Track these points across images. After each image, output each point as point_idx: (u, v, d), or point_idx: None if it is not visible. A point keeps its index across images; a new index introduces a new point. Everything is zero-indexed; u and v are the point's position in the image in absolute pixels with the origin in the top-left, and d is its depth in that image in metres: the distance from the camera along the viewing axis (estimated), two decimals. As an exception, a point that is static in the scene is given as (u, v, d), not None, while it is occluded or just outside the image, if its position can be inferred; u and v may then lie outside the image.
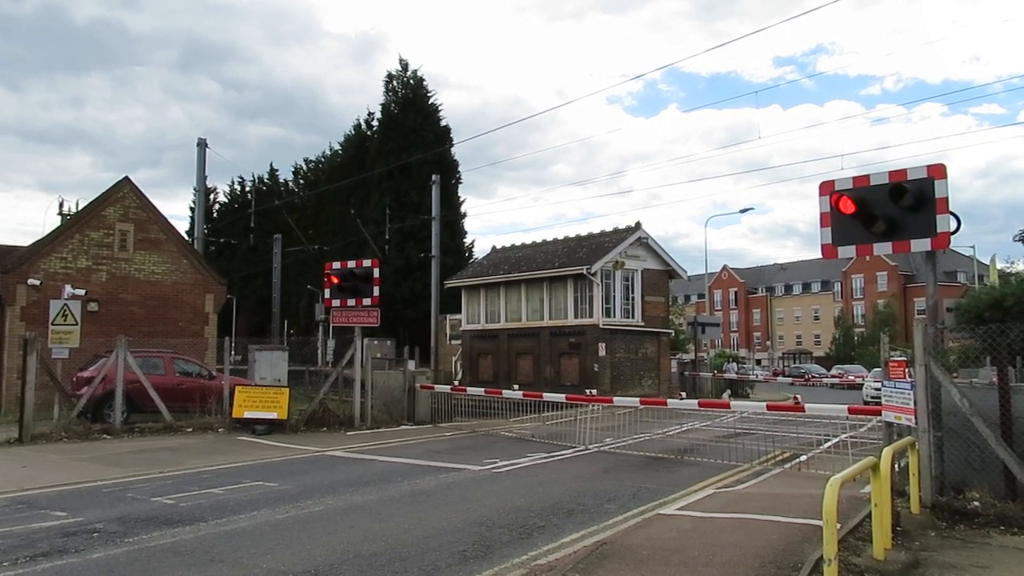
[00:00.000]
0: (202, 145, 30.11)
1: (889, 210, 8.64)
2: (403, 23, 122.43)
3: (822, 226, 9.25)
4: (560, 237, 35.02)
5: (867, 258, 72.54)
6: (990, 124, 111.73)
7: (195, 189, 32.14)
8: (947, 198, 8.33)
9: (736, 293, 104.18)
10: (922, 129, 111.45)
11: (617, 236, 31.28)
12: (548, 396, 16.34)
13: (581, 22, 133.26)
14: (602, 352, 28.01)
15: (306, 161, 56.55)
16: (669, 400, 14.45)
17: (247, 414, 16.49)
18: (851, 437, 11.91)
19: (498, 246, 38.51)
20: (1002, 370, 8.15)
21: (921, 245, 8.52)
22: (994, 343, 8.46)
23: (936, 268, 8.71)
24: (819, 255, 9.85)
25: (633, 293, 29.78)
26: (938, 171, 8.39)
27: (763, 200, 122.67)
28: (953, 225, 8.43)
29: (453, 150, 44.74)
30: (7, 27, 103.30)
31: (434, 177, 34.90)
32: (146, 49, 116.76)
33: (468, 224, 49.91)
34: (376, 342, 31.71)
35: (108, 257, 22.43)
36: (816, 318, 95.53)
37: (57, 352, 16.27)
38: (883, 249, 8.93)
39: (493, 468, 12.02)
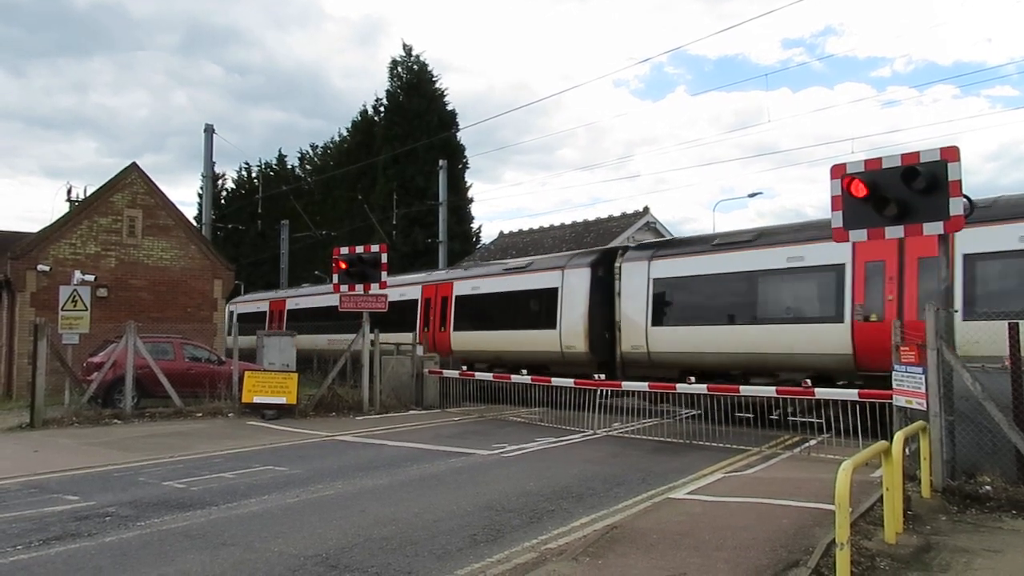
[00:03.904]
0: (209, 131, 30.13)
1: (901, 193, 8.56)
2: (406, 5, 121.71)
3: (833, 210, 9.17)
4: (567, 222, 35.00)
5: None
6: (1003, 106, 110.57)
7: (203, 175, 32.18)
8: (960, 181, 8.25)
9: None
10: (934, 112, 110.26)
11: (625, 221, 31.20)
12: (556, 381, 16.31)
13: (585, 3, 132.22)
14: (610, 337, 27.96)
15: (313, 147, 56.57)
16: (678, 384, 14.39)
17: (256, 399, 16.55)
18: (860, 421, 11.85)
19: (505, 231, 38.52)
20: (1015, 354, 8.09)
21: (934, 228, 8.45)
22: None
23: (948, 252, 8.63)
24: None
25: (641, 278, 29.66)
26: (951, 153, 8.30)
27: (771, 184, 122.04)
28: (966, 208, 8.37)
29: (459, 135, 44.57)
30: (8, 11, 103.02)
31: (441, 162, 34.84)
32: (147, 33, 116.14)
33: (475, 209, 49.71)
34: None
35: (117, 243, 22.47)
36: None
37: (67, 338, 16.35)
38: (895, 233, 8.83)
39: (502, 453, 12.04)
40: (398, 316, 22.46)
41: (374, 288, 17.94)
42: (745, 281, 15.90)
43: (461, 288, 22.36)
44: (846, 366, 14.17)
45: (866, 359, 13.76)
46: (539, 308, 19.82)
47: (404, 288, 24.18)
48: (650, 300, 17.40)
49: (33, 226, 69.56)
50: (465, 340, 21.08)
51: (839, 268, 14.49)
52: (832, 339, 14.28)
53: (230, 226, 45.74)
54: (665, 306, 17.28)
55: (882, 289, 13.87)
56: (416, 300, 23.92)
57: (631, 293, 17.90)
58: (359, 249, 18.43)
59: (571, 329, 18.80)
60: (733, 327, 15.89)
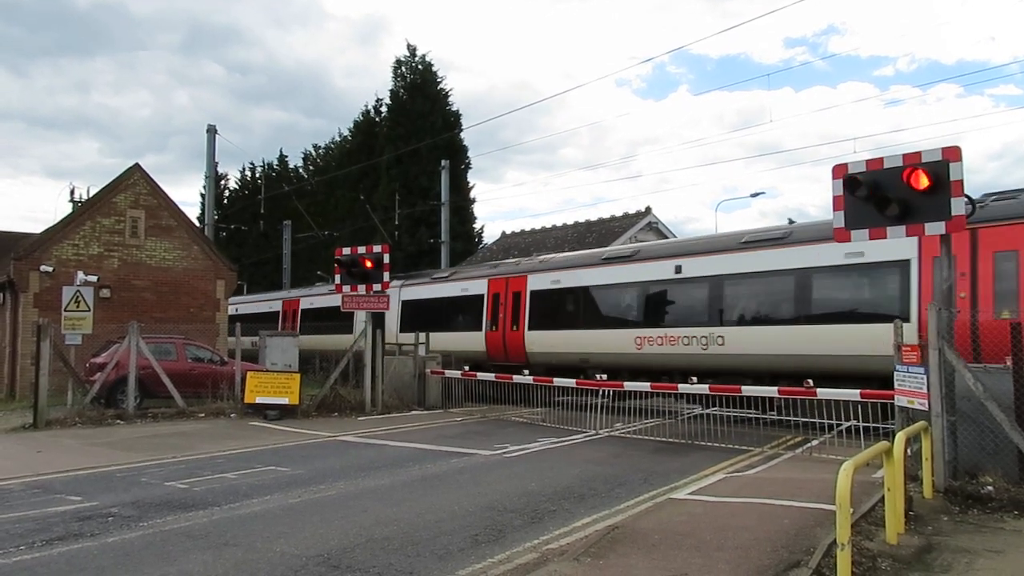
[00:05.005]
0: (212, 131, 30.18)
1: (903, 193, 8.54)
2: (407, 5, 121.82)
3: (835, 210, 9.14)
4: (570, 222, 35.01)
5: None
6: (1006, 105, 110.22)
7: (205, 176, 32.23)
8: (962, 181, 8.22)
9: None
10: (937, 111, 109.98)
11: (627, 221, 31.21)
12: (558, 381, 16.32)
13: (586, 2, 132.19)
14: (612, 337, 27.96)
15: (315, 147, 56.54)
16: (680, 385, 14.41)
17: (259, 399, 16.57)
18: (862, 421, 11.84)
19: (507, 231, 38.54)
20: (1017, 355, 8.08)
21: (935, 228, 8.43)
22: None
23: (951, 252, 8.62)
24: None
25: (643, 278, 29.67)
26: (953, 153, 8.28)
27: (774, 184, 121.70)
28: (967, 208, 8.36)
29: (462, 135, 44.49)
30: (9, 10, 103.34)
31: (443, 162, 34.84)
32: (149, 32, 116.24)
33: (477, 209, 49.42)
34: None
35: (119, 244, 22.53)
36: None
37: (70, 338, 16.38)
38: (896, 233, 8.80)
39: (504, 453, 12.05)
40: (272, 322, 32.00)
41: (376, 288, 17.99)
42: (441, 303, 24.09)
43: (303, 303, 32.03)
44: (484, 358, 21.78)
45: (493, 354, 21.70)
46: (346, 318, 25.25)
47: (271, 302, 34.48)
48: (399, 314, 25.16)
49: (36, 226, 69.68)
50: (305, 342, 26.01)
51: (480, 297, 22.28)
52: (478, 341, 22.15)
53: (233, 226, 45.73)
54: (406, 318, 25.08)
55: (499, 311, 21.63)
56: (278, 312, 33.21)
57: (392, 309, 23.96)
58: (361, 249, 18.43)
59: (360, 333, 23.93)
60: (437, 332, 21.90)
